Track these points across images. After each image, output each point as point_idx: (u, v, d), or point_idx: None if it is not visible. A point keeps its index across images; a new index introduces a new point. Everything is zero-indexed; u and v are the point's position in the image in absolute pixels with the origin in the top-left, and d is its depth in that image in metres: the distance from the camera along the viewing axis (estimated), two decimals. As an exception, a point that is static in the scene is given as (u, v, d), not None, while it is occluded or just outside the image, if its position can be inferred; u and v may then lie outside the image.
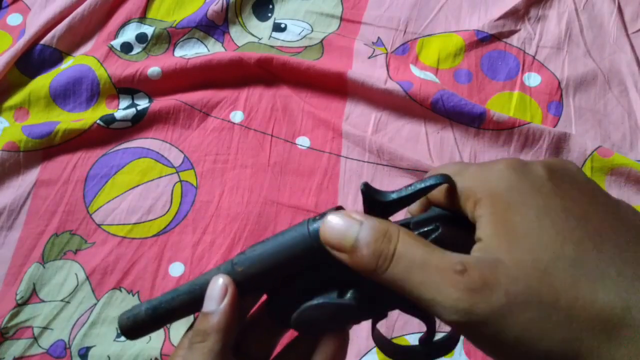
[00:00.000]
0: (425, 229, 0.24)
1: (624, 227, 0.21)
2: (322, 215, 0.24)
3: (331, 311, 0.25)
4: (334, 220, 0.23)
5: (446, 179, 0.23)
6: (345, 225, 0.23)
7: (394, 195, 0.24)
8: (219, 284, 0.26)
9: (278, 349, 0.30)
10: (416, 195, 0.24)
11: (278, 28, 0.71)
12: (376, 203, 0.24)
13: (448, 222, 0.24)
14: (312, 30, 0.70)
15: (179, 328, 0.53)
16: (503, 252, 0.20)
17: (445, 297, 0.19)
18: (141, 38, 0.68)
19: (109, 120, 0.62)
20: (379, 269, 0.21)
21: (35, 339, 0.52)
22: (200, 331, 0.26)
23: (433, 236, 0.23)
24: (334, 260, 0.23)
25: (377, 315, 0.26)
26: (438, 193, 0.24)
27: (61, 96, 0.65)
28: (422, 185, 0.23)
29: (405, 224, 0.25)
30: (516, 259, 0.20)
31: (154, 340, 0.52)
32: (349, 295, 0.24)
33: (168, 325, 0.53)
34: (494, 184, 0.22)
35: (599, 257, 0.19)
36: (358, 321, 0.26)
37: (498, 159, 0.24)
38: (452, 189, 0.23)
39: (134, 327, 0.27)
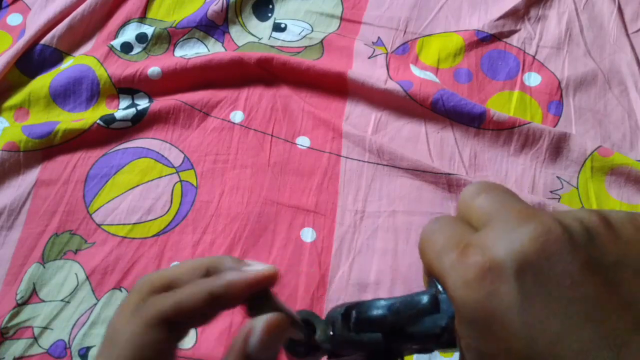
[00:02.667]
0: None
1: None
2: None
3: None
4: None
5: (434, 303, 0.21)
6: None
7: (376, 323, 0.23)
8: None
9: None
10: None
11: (278, 28, 0.71)
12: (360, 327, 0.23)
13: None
14: (312, 30, 0.70)
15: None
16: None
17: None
18: (141, 38, 0.69)
19: (109, 120, 0.62)
20: None
21: (36, 339, 0.52)
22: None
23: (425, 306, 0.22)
24: None
25: None
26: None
27: (61, 96, 0.65)
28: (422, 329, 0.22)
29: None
30: None
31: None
32: None
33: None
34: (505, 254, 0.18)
35: None
36: None
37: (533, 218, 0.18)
38: None
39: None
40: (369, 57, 0.67)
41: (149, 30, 0.69)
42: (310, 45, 0.69)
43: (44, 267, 0.56)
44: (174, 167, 0.61)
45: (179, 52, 0.69)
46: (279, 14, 0.72)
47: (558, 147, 0.60)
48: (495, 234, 0.18)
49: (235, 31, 0.71)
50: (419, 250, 0.22)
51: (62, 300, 0.54)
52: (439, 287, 0.21)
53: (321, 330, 0.25)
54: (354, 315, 0.24)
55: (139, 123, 0.63)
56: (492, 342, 0.17)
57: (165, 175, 0.61)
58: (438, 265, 0.20)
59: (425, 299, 0.21)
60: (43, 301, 0.54)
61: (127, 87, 0.66)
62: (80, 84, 0.65)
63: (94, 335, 0.53)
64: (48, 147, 0.61)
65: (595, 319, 0.16)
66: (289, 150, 0.62)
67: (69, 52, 0.69)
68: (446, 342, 0.21)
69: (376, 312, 0.23)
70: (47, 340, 0.52)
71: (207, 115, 0.64)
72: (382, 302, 0.23)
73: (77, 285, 0.55)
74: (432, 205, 0.58)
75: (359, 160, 0.61)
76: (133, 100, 0.66)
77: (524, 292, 0.17)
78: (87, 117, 0.63)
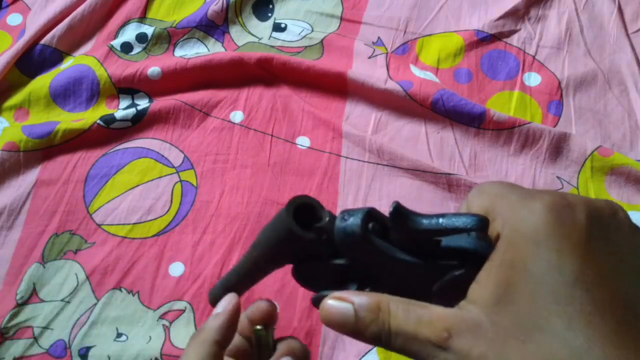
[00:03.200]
0: (450, 263, 0.23)
1: None
2: (290, 204, 0.25)
3: None
4: (331, 307, 0.24)
5: (484, 224, 0.22)
6: (341, 310, 0.23)
7: (425, 224, 0.23)
8: (228, 296, 0.31)
9: None
10: (449, 232, 0.23)
11: (278, 28, 0.71)
12: (404, 228, 0.23)
13: (475, 263, 0.22)
14: (312, 30, 0.70)
15: (179, 328, 0.53)
16: (493, 322, 0.20)
17: None
18: (141, 38, 0.69)
19: (109, 120, 0.62)
20: (384, 343, 0.22)
21: (36, 339, 0.52)
22: (204, 327, 0.30)
23: (455, 274, 0.23)
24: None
25: None
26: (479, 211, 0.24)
27: (61, 96, 0.65)
28: (458, 224, 0.22)
29: (437, 231, 0.23)
30: (503, 337, 0.19)
31: (154, 340, 0.52)
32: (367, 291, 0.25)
33: (168, 325, 0.53)
34: (523, 225, 0.21)
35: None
36: None
37: (544, 190, 0.22)
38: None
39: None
40: (369, 57, 0.67)
41: (149, 30, 0.69)
42: (310, 45, 0.69)
43: (44, 267, 0.56)
44: (174, 167, 0.61)
45: (179, 52, 0.69)
46: (279, 14, 0.72)
47: (558, 147, 0.60)
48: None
49: (235, 31, 0.71)
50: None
51: (62, 300, 0.54)
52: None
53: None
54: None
55: (139, 123, 0.63)
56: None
57: (165, 175, 0.61)
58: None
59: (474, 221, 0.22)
60: (43, 301, 0.54)
61: (127, 87, 0.66)
62: (80, 84, 0.65)
63: (94, 335, 0.53)
64: (48, 147, 0.61)
65: None
66: (289, 150, 0.62)
67: (69, 52, 0.69)
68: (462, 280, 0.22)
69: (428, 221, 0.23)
70: (47, 340, 0.52)
71: (207, 115, 0.64)
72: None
73: (77, 285, 0.55)
74: (432, 205, 0.58)
75: (359, 160, 0.61)
76: (133, 100, 0.66)
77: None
78: (87, 117, 0.63)
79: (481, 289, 0.21)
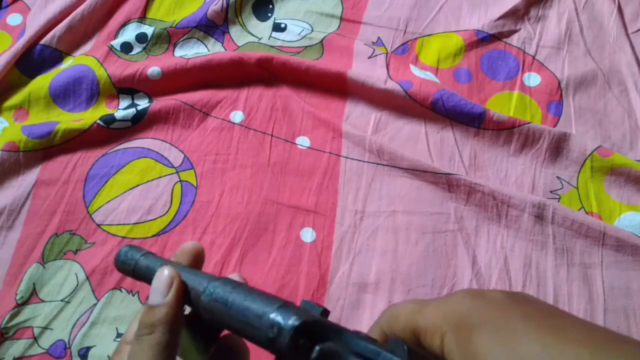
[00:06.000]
0: (399, 345, 0.23)
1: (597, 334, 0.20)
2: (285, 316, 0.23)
3: None
4: None
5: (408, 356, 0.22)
6: None
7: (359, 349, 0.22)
8: (164, 276, 0.27)
9: None
10: None
11: (278, 28, 0.71)
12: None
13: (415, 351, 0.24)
14: (312, 30, 0.70)
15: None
16: None
17: None
18: (141, 38, 0.68)
19: (108, 120, 0.62)
20: None
21: (35, 339, 0.52)
22: (147, 324, 0.26)
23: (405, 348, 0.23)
24: None
25: None
26: (401, 332, 0.25)
27: (61, 96, 0.65)
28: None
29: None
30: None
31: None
32: None
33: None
34: (455, 314, 0.23)
35: None
36: None
37: (455, 291, 0.25)
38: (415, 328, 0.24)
39: (121, 269, 0.30)
40: (369, 57, 0.67)
41: (148, 30, 0.69)
42: (310, 45, 0.69)
43: (44, 267, 0.56)
44: (173, 167, 0.61)
45: (179, 52, 0.69)
46: (279, 14, 0.72)
47: (558, 147, 0.60)
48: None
49: (235, 31, 0.71)
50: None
51: (62, 301, 0.54)
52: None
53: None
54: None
55: (139, 123, 0.63)
56: None
57: (165, 175, 0.61)
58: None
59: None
60: (43, 301, 0.54)
61: (127, 87, 0.66)
62: (80, 84, 0.65)
63: (93, 335, 0.53)
64: (48, 147, 0.61)
65: None
66: (288, 150, 0.62)
67: (68, 52, 0.69)
68: None
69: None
70: (47, 341, 0.52)
71: (207, 115, 0.64)
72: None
73: (77, 285, 0.55)
74: (432, 205, 0.58)
75: (359, 160, 0.61)
76: (133, 100, 0.66)
77: None
78: (87, 117, 0.63)
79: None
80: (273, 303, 0.24)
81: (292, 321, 0.22)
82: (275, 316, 0.23)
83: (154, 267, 0.28)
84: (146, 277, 0.29)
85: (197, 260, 0.31)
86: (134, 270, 0.30)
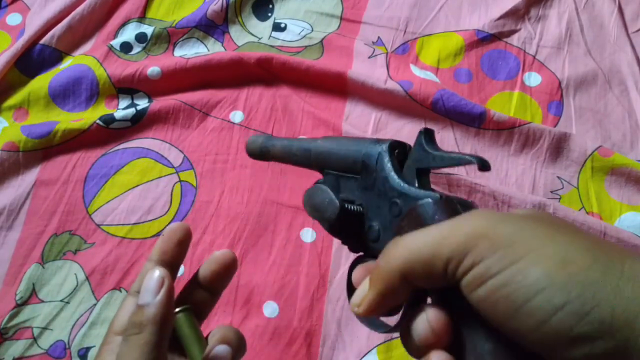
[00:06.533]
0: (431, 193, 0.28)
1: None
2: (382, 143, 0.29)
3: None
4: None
5: (484, 162, 0.25)
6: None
7: (437, 156, 0.27)
8: (155, 276, 0.27)
9: None
10: (454, 164, 0.27)
11: (278, 28, 0.71)
12: (422, 151, 0.28)
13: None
14: (312, 30, 0.70)
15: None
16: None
17: None
18: (141, 38, 0.68)
19: (108, 120, 0.62)
20: None
21: (35, 339, 0.52)
22: (136, 323, 0.26)
23: (429, 200, 0.27)
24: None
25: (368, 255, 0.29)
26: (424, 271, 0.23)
27: (60, 96, 0.65)
28: (463, 158, 0.26)
29: (449, 159, 0.28)
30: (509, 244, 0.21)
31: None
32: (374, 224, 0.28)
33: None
34: (477, 233, 0.22)
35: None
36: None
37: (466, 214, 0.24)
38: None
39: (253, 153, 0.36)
40: (369, 57, 0.67)
41: (148, 30, 0.69)
42: (310, 45, 0.69)
43: (44, 268, 0.55)
44: (173, 167, 0.61)
45: (179, 52, 0.69)
46: (279, 13, 0.72)
47: (558, 147, 0.60)
48: None
49: (234, 31, 0.71)
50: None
51: (61, 301, 0.54)
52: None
53: None
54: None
55: (139, 123, 0.63)
56: None
57: (165, 176, 0.61)
58: None
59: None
60: (42, 301, 0.54)
61: (126, 87, 0.66)
62: (80, 84, 0.65)
63: (93, 335, 0.53)
64: (47, 147, 0.61)
65: None
66: (288, 150, 0.62)
67: (68, 52, 0.69)
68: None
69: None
70: (46, 341, 0.52)
71: (206, 115, 0.64)
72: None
73: (77, 285, 0.55)
74: (432, 206, 0.58)
75: (359, 160, 0.61)
76: (132, 100, 0.66)
77: None
78: (87, 117, 0.63)
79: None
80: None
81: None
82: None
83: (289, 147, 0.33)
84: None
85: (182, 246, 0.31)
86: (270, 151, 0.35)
